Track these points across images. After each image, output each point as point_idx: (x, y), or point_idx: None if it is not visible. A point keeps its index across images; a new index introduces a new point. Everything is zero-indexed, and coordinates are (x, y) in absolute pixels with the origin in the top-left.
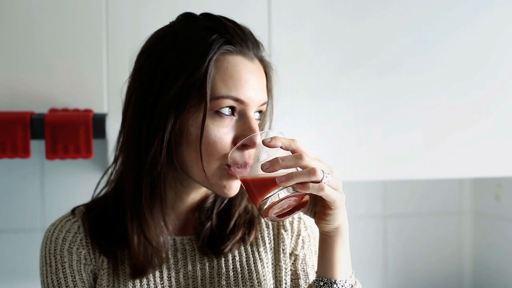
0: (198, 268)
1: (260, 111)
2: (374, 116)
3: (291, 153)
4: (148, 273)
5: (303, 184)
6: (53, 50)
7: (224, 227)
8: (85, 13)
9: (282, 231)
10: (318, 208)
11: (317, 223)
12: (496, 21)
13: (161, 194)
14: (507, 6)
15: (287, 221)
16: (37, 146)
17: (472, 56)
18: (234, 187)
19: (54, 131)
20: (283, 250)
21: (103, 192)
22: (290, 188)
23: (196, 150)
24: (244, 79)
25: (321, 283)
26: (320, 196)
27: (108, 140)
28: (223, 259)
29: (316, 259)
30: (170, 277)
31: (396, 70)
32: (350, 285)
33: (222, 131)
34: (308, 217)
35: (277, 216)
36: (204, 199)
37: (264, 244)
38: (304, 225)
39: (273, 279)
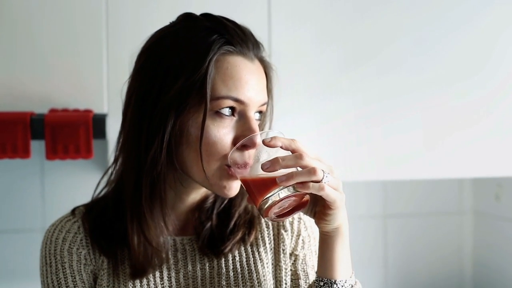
0: (198, 268)
1: (260, 112)
2: (374, 116)
3: (291, 153)
4: (148, 273)
5: (303, 183)
6: (53, 50)
7: (224, 227)
8: (85, 13)
9: (282, 231)
10: (318, 208)
11: (317, 223)
12: (496, 21)
13: (161, 194)
14: (507, 6)
15: (287, 221)
16: (37, 147)
17: (472, 56)
18: (234, 188)
19: (54, 131)
20: (283, 250)
21: (103, 193)
22: (290, 187)
23: (196, 150)
24: (244, 80)
25: (321, 283)
26: (320, 196)
27: (108, 140)
28: (223, 259)
29: (316, 259)
30: (170, 277)
31: (396, 70)
32: (350, 285)
33: (222, 132)
34: (308, 217)
35: (277, 216)
36: (204, 199)
37: (264, 244)
38: (304, 225)
39: (273, 279)
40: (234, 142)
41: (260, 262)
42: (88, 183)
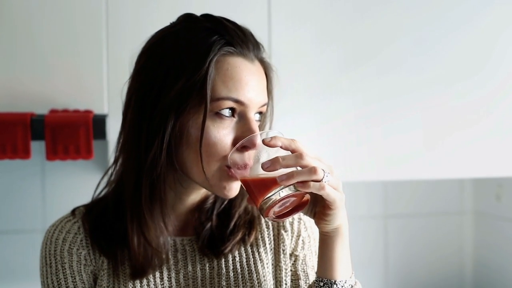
0: (198, 268)
1: (260, 113)
2: (374, 116)
3: (291, 153)
4: (148, 274)
5: (304, 182)
6: (53, 50)
7: (224, 228)
8: (85, 13)
9: (282, 231)
10: (318, 208)
11: (317, 223)
12: (496, 21)
13: (161, 195)
14: (507, 6)
15: (287, 221)
16: (37, 147)
17: (472, 56)
18: (234, 188)
19: (54, 132)
20: (283, 250)
21: (103, 193)
22: (291, 187)
23: (196, 151)
24: (245, 81)
25: (321, 284)
26: (320, 196)
27: (108, 141)
28: (223, 259)
29: (316, 259)
30: (170, 277)
31: (396, 70)
32: (350, 286)
33: (222, 133)
34: (308, 217)
35: (277, 217)
36: (204, 200)
37: (264, 245)
38: (304, 226)
39: (273, 279)
40: (234, 143)
41: (260, 263)
42: (88, 184)
